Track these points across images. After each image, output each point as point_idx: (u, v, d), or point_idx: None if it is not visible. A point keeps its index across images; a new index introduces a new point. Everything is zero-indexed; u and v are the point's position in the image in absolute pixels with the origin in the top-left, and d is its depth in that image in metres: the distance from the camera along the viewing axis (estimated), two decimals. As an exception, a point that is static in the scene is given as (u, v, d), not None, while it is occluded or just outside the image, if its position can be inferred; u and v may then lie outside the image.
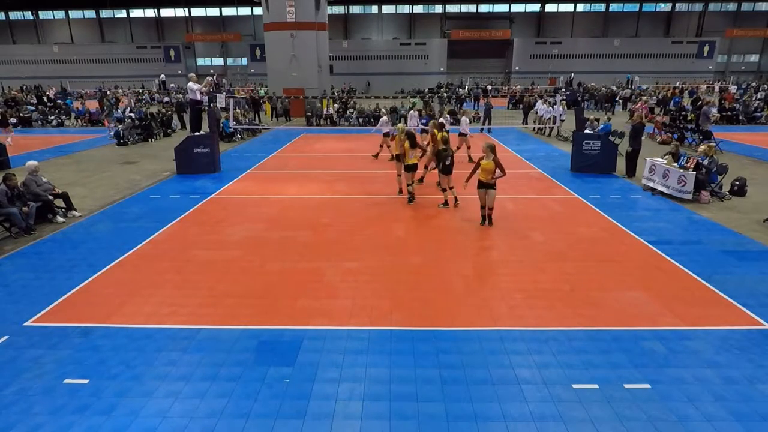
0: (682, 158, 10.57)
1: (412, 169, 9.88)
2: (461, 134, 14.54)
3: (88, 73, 53.77)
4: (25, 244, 8.00)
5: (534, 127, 21.81)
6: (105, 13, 57.16)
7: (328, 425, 3.92)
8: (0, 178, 8.55)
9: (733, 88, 38.41)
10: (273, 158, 16.12)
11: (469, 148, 14.58)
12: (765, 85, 39.74)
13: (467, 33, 52.79)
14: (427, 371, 4.58)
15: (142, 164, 14.95)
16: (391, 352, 4.89)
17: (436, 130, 11.07)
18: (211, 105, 15.69)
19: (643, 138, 12.71)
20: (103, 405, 4.14)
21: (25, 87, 44.24)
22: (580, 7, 56.52)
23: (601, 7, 56.35)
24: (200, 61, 59.23)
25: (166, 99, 35.61)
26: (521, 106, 26.36)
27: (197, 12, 57.25)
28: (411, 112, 19.83)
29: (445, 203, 9.88)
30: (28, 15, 57.09)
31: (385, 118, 15.87)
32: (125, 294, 6.17)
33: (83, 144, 19.29)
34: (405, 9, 56.80)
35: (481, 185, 8.41)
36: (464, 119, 14.97)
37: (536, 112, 22.49)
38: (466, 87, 46.72)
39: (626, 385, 4.34)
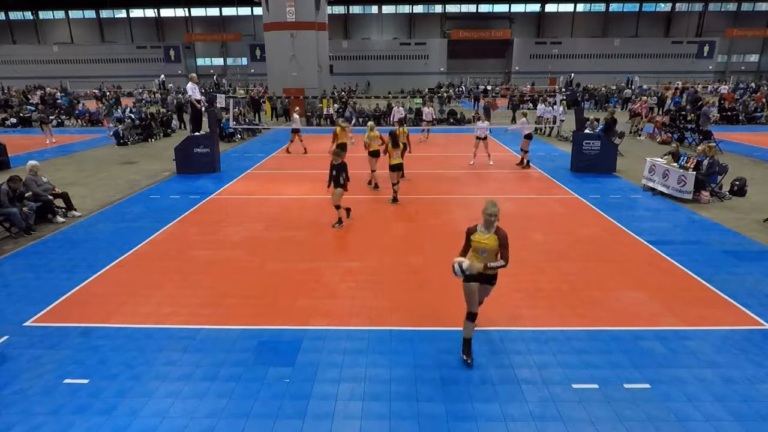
0: (682, 158, 10.57)
1: (396, 168, 10.05)
2: (527, 136, 13.41)
3: (88, 73, 53.83)
4: (25, 244, 8.00)
5: (534, 128, 21.78)
6: (105, 13, 57.22)
7: (328, 425, 3.92)
8: (6, 179, 8.56)
9: (724, 88, 38.49)
10: (273, 158, 16.12)
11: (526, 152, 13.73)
12: (765, 85, 39.73)
13: (467, 33, 52.81)
14: (427, 371, 4.58)
15: (142, 164, 14.94)
16: (391, 352, 4.88)
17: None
18: (212, 105, 15.70)
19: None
20: (103, 405, 4.14)
21: (38, 86, 43.89)
22: (580, 7, 56.54)
23: (601, 7, 56.38)
24: (200, 61, 59.31)
25: (167, 98, 35.52)
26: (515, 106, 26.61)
27: (197, 12, 57.29)
28: (395, 108, 20.69)
29: (339, 221, 8.84)
30: (28, 15, 57.12)
31: (296, 116, 17.16)
32: (125, 294, 6.17)
33: (83, 144, 19.29)
34: (405, 9, 56.82)
35: (474, 277, 4.41)
36: (523, 119, 13.67)
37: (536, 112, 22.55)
38: (467, 86, 46.73)
39: (626, 385, 4.34)
